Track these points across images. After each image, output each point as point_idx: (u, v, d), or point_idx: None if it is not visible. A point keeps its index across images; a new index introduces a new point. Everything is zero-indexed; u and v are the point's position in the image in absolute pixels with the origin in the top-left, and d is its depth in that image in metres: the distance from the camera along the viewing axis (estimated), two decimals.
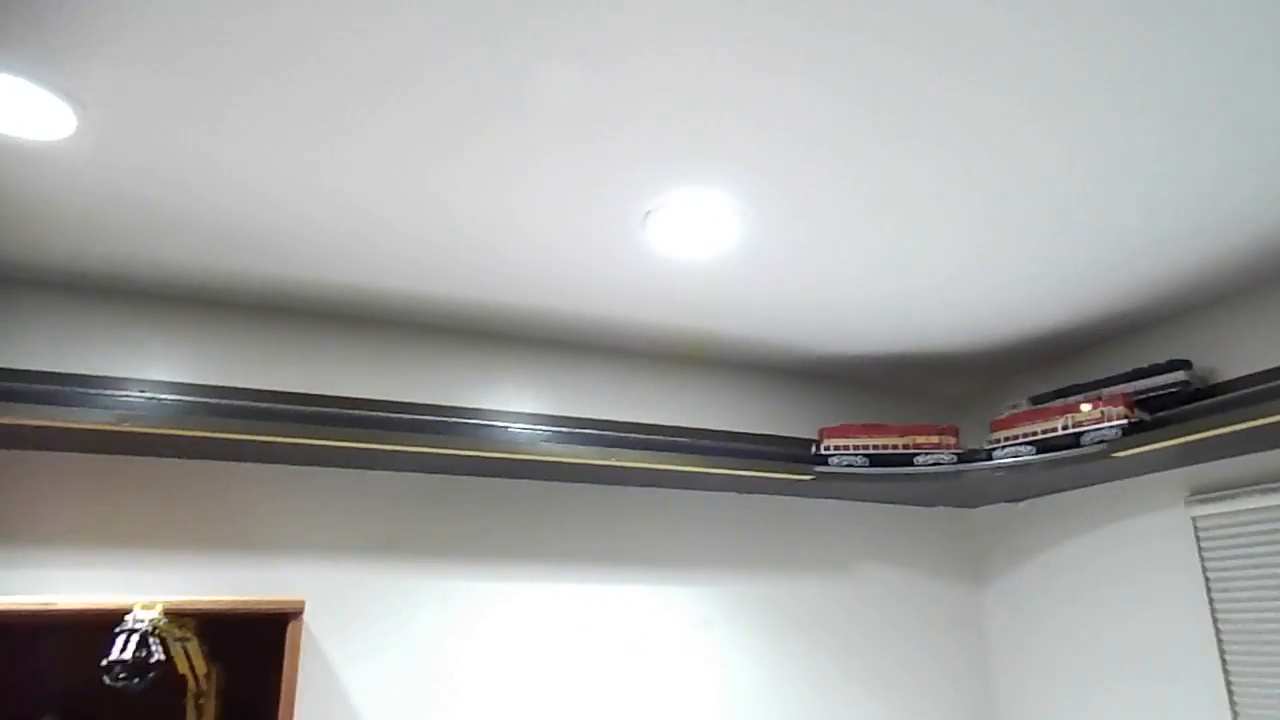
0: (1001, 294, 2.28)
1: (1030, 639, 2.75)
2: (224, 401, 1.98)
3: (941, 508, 2.99)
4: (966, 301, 2.32)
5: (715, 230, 1.95)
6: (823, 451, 2.51)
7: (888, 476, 2.46)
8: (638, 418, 2.61)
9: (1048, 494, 2.75)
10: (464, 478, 2.38)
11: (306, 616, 2.05)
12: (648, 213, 1.88)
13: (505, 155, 1.66)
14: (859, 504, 2.86)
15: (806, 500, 2.80)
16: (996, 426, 2.46)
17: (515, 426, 2.28)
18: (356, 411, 2.09)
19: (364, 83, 1.45)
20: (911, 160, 1.69)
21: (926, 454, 2.48)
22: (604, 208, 1.85)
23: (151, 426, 1.90)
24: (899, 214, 1.89)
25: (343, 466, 2.24)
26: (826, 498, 2.79)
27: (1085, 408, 2.26)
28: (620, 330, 2.50)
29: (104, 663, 1.47)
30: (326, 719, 2.08)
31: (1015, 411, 2.44)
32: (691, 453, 2.44)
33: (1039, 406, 2.42)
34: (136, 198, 1.77)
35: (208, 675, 1.72)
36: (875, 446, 2.52)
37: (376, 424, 2.08)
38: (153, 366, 2.12)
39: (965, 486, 2.64)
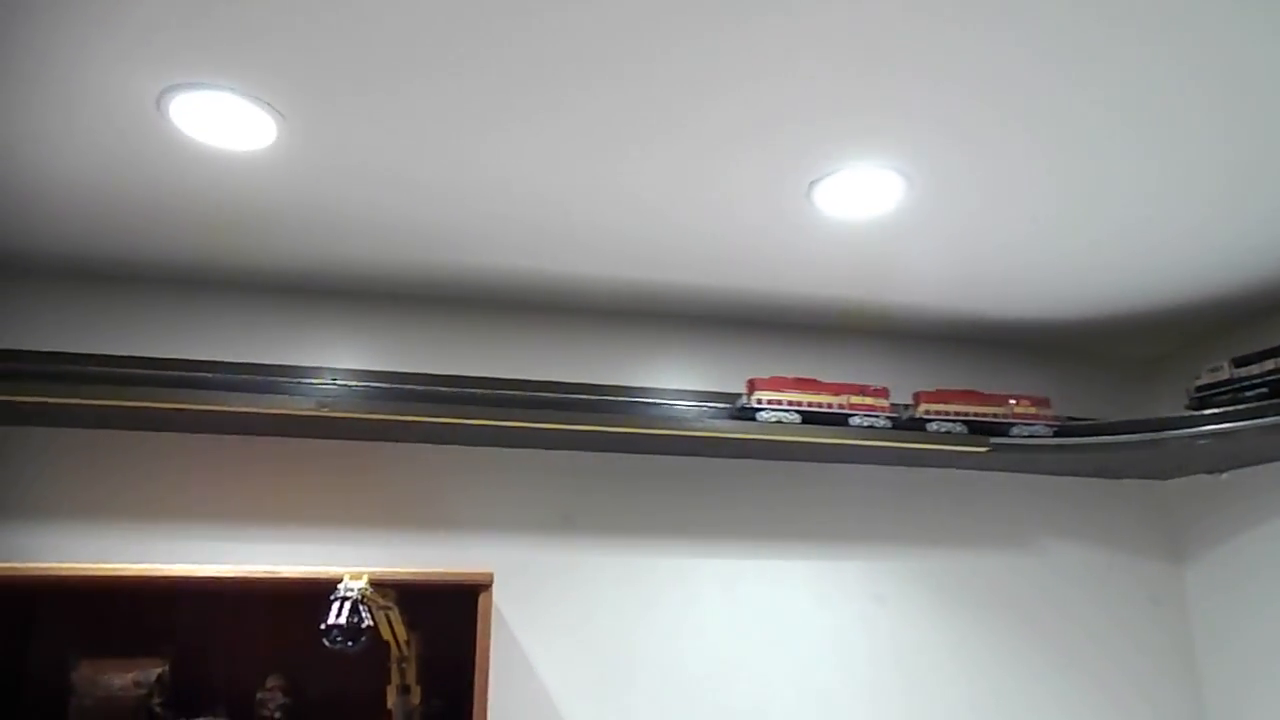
0: (1182, 252, 2.12)
1: (1243, 620, 2.53)
2: (411, 387, 2.09)
3: (1131, 480, 2.79)
4: (1146, 261, 2.17)
5: (882, 197, 1.89)
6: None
7: (1075, 447, 2.32)
8: None
9: (1258, 464, 2.51)
10: (636, 456, 2.43)
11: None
12: (812, 183, 1.85)
13: (665, 131, 1.67)
14: (1038, 476, 2.71)
15: (979, 473, 2.68)
16: (923, 399, 2.37)
17: (683, 403, 2.29)
18: (533, 393, 2.16)
19: (537, 73, 1.49)
20: (1086, 116, 1.60)
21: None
22: (768, 180, 1.83)
23: (347, 411, 2.04)
24: (1073, 171, 1.79)
25: (521, 446, 2.34)
26: (1004, 470, 2.66)
27: (1025, 403, 2.39)
28: (785, 304, 2.47)
29: (322, 627, 1.60)
30: (512, 684, 2.18)
31: (948, 390, 2.40)
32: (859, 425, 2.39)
33: (971, 390, 2.41)
34: (331, 199, 1.90)
35: (408, 641, 1.84)
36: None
37: (552, 404, 2.15)
38: (344, 355, 2.27)
39: (1159, 457, 2.45)
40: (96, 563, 1.96)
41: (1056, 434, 2.36)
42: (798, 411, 2.26)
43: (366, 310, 2.35)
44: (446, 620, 1.94)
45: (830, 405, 2.30)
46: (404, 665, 1.86)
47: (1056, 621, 2.59)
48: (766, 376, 2.31)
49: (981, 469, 2.64)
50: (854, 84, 1.53)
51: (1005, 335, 2.72)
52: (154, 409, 1.96)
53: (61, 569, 1.77)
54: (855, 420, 2.30)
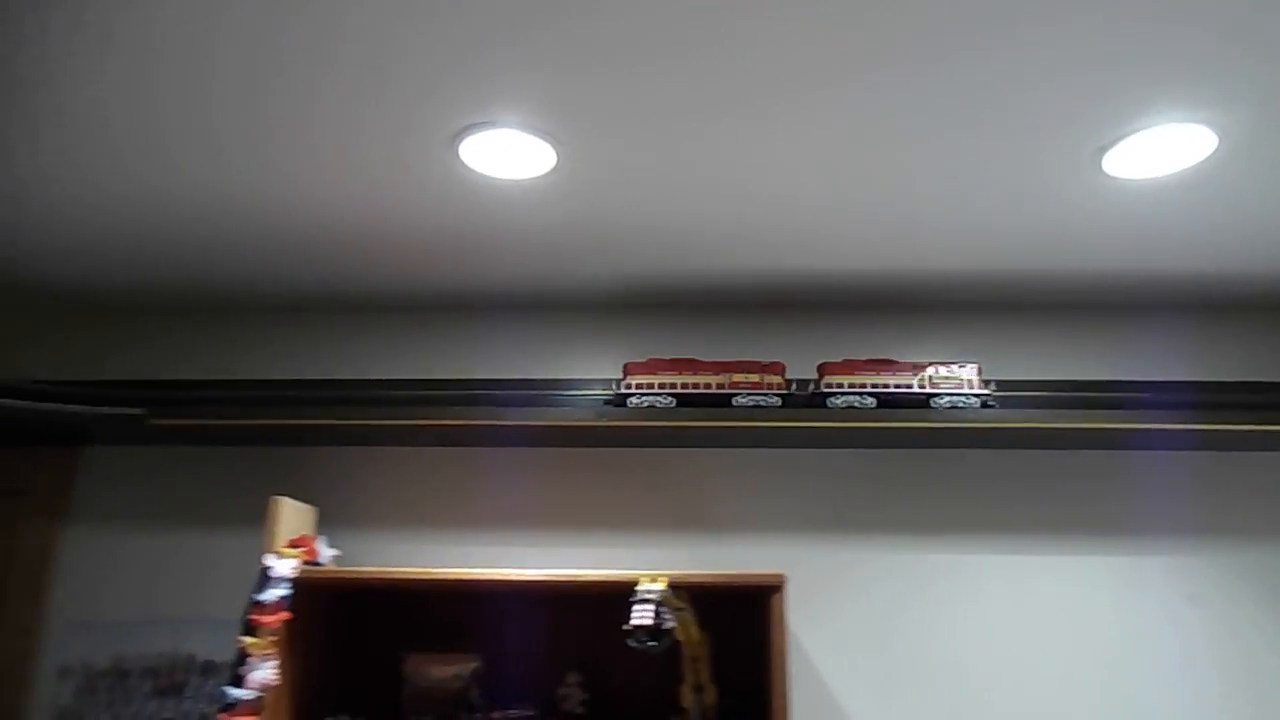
0: None
1: None
2: (678, 392, 2.13)
3: None
4: None
5: (1185, 155, 1.70)
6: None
7: None
8: (1081, 375, 2.38)
9: None
10: (904, 451, 2.35)
11: None
12: (1100, 148, 1.70)
13: (947, 114, 1.60)
14: None
15: None
16: (830, 370, 2.13)
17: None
18: (805, 393, 2.15)
19: (813, 76, 1.48)
20: None
21: None
22: (1054, 152, 1.71)
23: (623, 419, 2.12)
24: None
25: (790, 446, 2.33)
26: None
27: (946, 369, 2.15)
28: (1059, 283, 2.30)
29: (627, 628, 1.67)
30: (795, 683, 2.17)
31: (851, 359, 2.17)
32: (1153, 408, 2.17)
33: (882, 359, 2.18)
34: (604, 216, 1.99)
35: (700, 642, 1.88)
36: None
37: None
38: (616, 366, 2.36)
39: None
40: (412, 566, 2.16)
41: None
42: (673, 395, 2.11)
43: (638, 319, 2.44)
44: (730, 620, 1.97)
45: (709, 386, 2.12)
46: (698, 664, 1.90)
47: None
48: (667, 359, 2.17)
49: None
50: (1153, 44, 1.39)
51: None
52: (454, 425, 2.14)
53: (391, 573, 1.97)
54: (739, 400, 2.11)
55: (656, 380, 2.13)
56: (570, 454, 2.35)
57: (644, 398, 2.12)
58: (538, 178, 1.82)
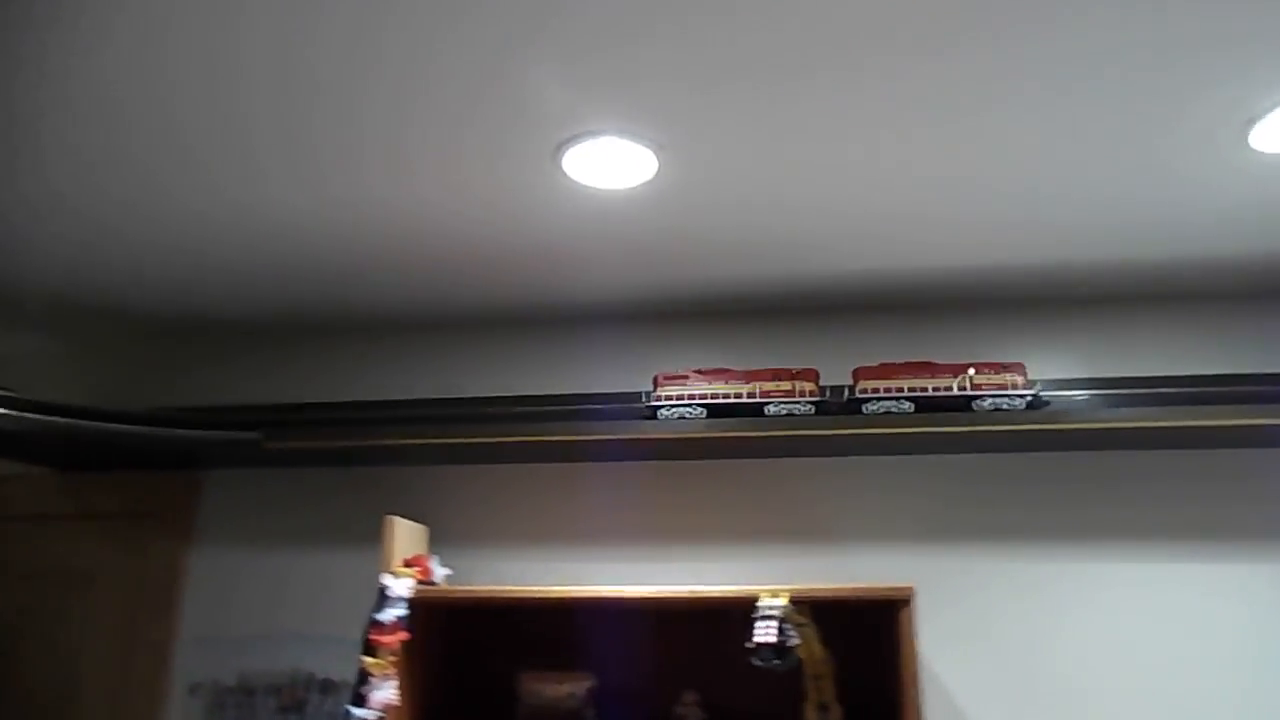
0: None
1: None
2: (712, 402, 2.06)
3: None
4: None
5: None
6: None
7: None
8: (1209, 370, 2.22)
9: None
10: (1027, 454, 2.22)
11: None
12: (1248, 120, 1.57)
13: (1061, 87, 1.50)
14: None
15: None
16: (863, 375, 2.06)
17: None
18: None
19: (912, 72, 1.41)
20: None
21: None
22: (1192, 127, 1.59)
23: (703, 432, 2.06)
24: None
25: (911, 453, 2.24)
26: None
27: (988, 371, 2.03)
28: (1188, 270, 2.15)
29: (751, 645, 1.61)
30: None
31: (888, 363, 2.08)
32: None
33: (922, 361, 2.08)
34: (707, 221, 1.94)
35: (824, 659, 1.81)
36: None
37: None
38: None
39: None
40: (523, 584, 2.14)
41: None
42: (703, 405, 2.05)
43: (731, 327, 2.39)
44: (849, 635, 1.89)
45: (740, 395, 2.05)
46: (821, 682, 1.83)
47: None
48: (708, 368, 2.12)
49: None
50: None
51: None
52: (560, 441, 2.12)
53: (506, 591, 1.96)
54: (771, 409, 2.02)
55: (686, 391, 2.09)
56: (674, 466, 2.31)
57: (674, 409, 2.07)
58: (640, 186, 1.79)
